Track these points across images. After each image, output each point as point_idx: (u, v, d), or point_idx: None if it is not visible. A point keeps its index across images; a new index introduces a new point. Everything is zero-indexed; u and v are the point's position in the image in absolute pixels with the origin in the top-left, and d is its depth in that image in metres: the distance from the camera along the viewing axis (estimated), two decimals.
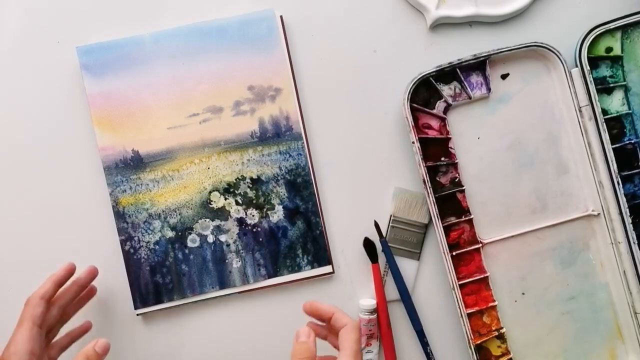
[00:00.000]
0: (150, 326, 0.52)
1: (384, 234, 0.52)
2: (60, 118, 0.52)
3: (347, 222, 0.53)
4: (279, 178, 0.52)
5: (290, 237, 0.52)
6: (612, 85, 0.52)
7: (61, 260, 0.50)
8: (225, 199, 0.52)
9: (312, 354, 0.41)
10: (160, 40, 0.52)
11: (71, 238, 0.52)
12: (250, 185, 0.52)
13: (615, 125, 0.52)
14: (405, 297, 0.51)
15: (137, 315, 0.51)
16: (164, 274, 0.51)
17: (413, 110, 0.51)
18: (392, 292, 0.52)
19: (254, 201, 0.52)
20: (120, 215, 0.51)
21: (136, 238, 0.51)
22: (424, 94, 0.52)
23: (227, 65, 0.52)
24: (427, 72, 0.51)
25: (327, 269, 0.52)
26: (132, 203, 0.51)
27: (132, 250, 0.51)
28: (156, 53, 0.51)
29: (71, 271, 0.48)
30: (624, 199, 0.51)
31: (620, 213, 0.51)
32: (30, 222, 0.52)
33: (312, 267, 0.52)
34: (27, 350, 0.43)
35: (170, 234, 0.51)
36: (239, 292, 0.52)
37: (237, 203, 0.52)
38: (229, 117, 0.52)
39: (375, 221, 0.52)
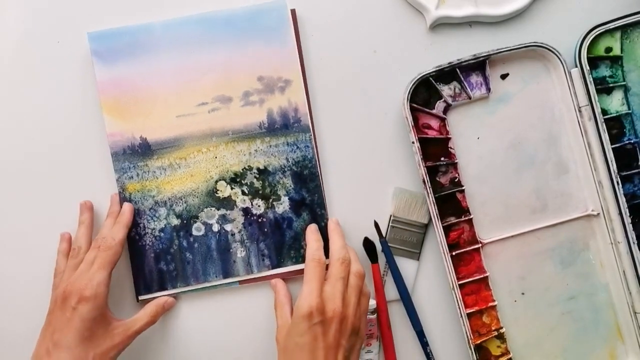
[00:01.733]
0: None
1: (383, 234, 0.52)
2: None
3: (347, 221, 0.52)
4: (286, 169, 0.52)
5: (295, 228, 0.52)
6: (611, 85, 0.52)
7: None
8: (232, 188, 0.52)
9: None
10: (170, 28, 0.52)
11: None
12: (257, 176, 0.52)
13: (615, 125, 0.52)
14: (405, 297, 0.51)
15: (138, 301, 0.51)
16: (168, 262, 0.51)
17: (413, 110, 0.51)
18: (392, 292, 0.52)
19: (260, 191, 0.52)
20: (126, 201, 0.51)
21: (141, 225, 0.51)
22: (424, 94, 0.52)
23: (237, 55, 0.52)
24: (426, 72, 0.51)
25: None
26: (138, 190, 0.51)
27: (137, 237, 0.51)
28: (166, 41, 0.51)
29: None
30: (624, 199, 0.51)
31: (620, 213, 0.51)
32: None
33: None
34: (106, 294, 0.46)
35: (175, 221, 0.51)
36: (242, 281, 0.52)
37: (243, 193, 0.52)
38: (238, 107, 0.52)
39: (375, 221, 0.52)
